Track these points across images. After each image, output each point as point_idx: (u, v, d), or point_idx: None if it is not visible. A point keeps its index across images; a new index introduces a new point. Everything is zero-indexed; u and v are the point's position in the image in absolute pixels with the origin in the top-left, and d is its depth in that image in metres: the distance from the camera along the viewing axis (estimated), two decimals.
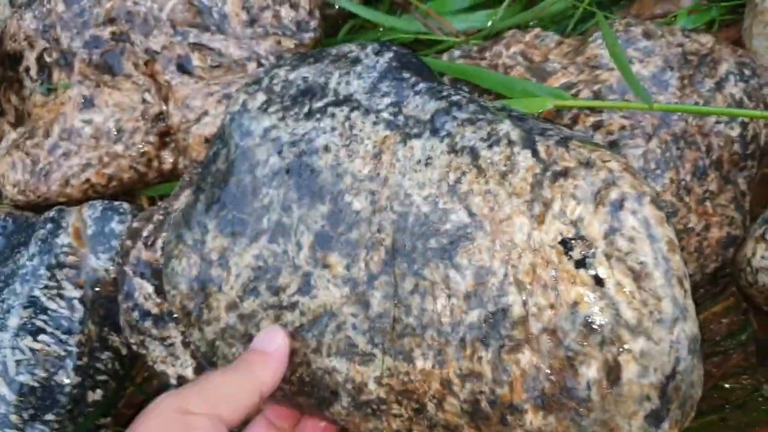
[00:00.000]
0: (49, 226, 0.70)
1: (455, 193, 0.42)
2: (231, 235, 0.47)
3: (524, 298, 0.39)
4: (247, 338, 0.47)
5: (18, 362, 0.65)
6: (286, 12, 0.74)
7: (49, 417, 0.65)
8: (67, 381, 0.66)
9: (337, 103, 0.48)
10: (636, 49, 0.59)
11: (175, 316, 0.58)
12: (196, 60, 0.73)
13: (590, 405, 0.38)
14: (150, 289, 0.62)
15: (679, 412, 0.39)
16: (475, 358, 0.40)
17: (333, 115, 0.47)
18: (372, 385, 0.43)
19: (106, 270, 0.68)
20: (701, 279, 0.58)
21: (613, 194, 0.40)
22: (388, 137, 0.45)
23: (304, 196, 0.46)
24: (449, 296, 0.41)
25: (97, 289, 0.68)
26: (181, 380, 0.62)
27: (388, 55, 0.50)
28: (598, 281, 0.38)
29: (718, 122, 0.58)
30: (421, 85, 0.47)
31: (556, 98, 0.53)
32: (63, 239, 0.69)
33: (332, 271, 0.44)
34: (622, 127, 0.56)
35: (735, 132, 0.58)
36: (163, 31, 0.75)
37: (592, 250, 0.39)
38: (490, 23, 0.74)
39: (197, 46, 0.74)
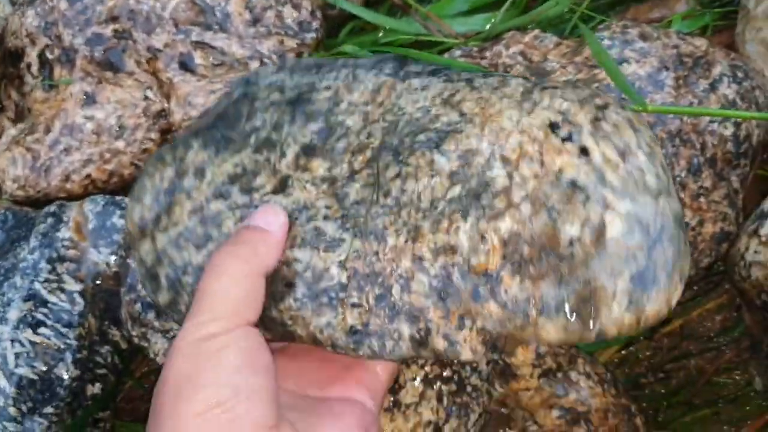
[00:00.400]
0: (50, 220, 0.70)
1: (448, 102, 0.43)
2: (214, 150, 0.46)
3: (509, 170, 0.40)
4: (203, 241, 0.45)
5: (17, 355, 0.65)
6: (288, 12, 0.75)
7: (48, 410, 0.65)
8: (66, 374, 0.66)
9: (344, 66, 0.49)
10: (633, 50, 0.60)
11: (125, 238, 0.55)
12: (198, 58, 0.74)
13: (573, 263, 0.38)
14: None
15: (667, 281, 0.38)
16: (452, 230, 0.39)
17: (339, 71, 0.48)
18: (334, 270, 0.41)
19: (107, 264, 0.68)
20: (696, 274, 0.60)
21: (598, 100, 0.41)
22: (387, 81, 0.46)
23: (298, 118, 0.46)
24: (432, 176, 0.41)
25: (97, 282, 0.68)
26: None
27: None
28: (584, 151, 0.39)
29: (712, 121, 0.59)
30: (421, 62, 0.49)
31: None
32: (64, 233, 0.69)
33: (312, 173, 0.43)
34: None
35: (728, 131, 0.60)
36: (165, 29, 0.75)
37: (578, 129, 0.40)
38: (488, 26, 0.75)
39: (200, 45, 0.74)
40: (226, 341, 0.38)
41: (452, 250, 0.39)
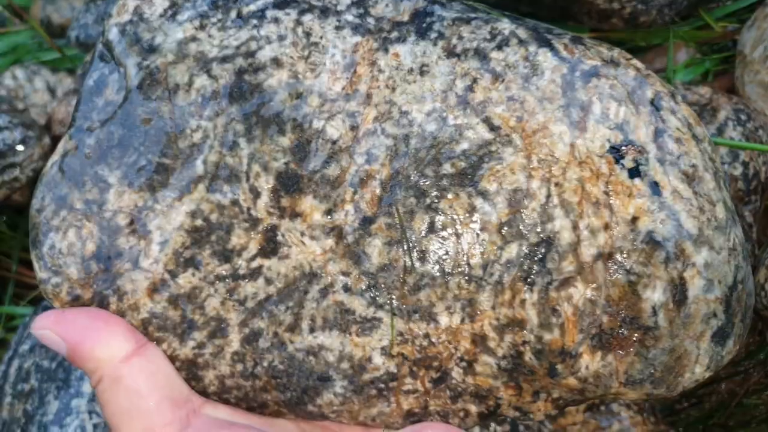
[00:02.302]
0: None
1: (468, 104, 0.35)
2: (148, 189, 0.35)
3: (573, 220, 0.33)
4: (186, 329, 0.35)
5: (95, 425, 0.69)
6: None
7: None
8: None
9: (278, 5, 0.37)
10: None
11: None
12: None
13: (657, 333, 0.33)
14: None
15: (741, 326, 0.35)
16: (517, 303, 0.34)
17: (277, 20, 0.36)
18: (378, 359, 0.35)
19: None
20: None
21: (649, 93, 0.35)
22: (360, 44, 0.36)
23: (255, 127, 0.35)
24: (478, 232, 0.34)
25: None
26: None
27: None
28: (655, 189, 0.34)
29: (722, 163, 0.65)
30: None
31: None
32: None
33: (306, 220, 0.35)
34: None
35: (738, 171, 0.65)
36: None
37: (645, 156, 0.34)
38: None
39: None
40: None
41: (520, 326, 0.34)
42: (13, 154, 0.79)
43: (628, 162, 0.34)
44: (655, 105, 0.35)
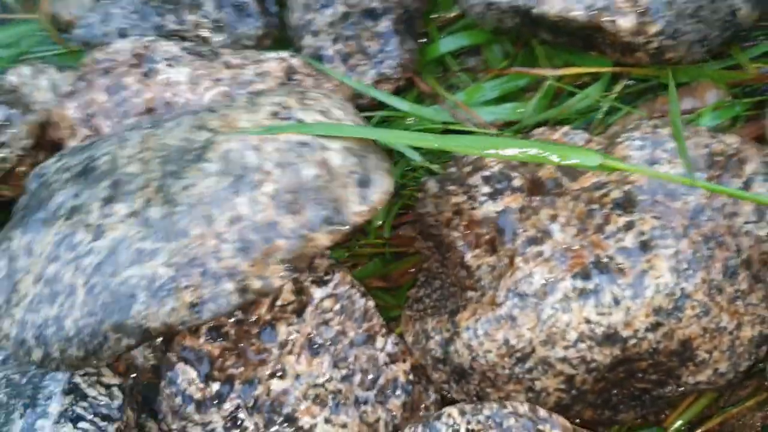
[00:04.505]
0: None
1: (202, 127, 0.61)
2: (34, 231, 0.58)
3: (257, 152, 0.57)
4: (53, 296, 0.55)
5: None
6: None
7: None
8: None
9: (113, 135, 0.65)
10: (664, 150, 0.61)
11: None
12: None
13: (314, 190, 0.55)
14: (193, 374, 0.64)
15: (380, 179, 0.57)
16: (234, 206, 0.54)
17: (110, 139, 0.64)
18: (161, 270, 0.53)
19: (145, 357, 0.69)
20: (734, 377, 0.59)
21: (298, 89, 0.66)
22: (147, 131, 0.63)
23: (90, 185, 0.59)
24: (206, 177, 0.56)
25: (134, 375, 0.69)
26: None
27: None
28: (300, 123, 0.60)
29: (746, 222, 0.59)
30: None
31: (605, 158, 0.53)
32: None
33: (118, 215, 0.56)
34: (654, 228, 0.57)
35: (763, 232, 0.60)
36: None
37: (293, 110, 0.61)
38: (516, 116, 0.76)
39: None
40: None
41: (239, 219, 0.54)
42: None
43: (282, 115, 0.60)
44: (301, 92, 0.66)
